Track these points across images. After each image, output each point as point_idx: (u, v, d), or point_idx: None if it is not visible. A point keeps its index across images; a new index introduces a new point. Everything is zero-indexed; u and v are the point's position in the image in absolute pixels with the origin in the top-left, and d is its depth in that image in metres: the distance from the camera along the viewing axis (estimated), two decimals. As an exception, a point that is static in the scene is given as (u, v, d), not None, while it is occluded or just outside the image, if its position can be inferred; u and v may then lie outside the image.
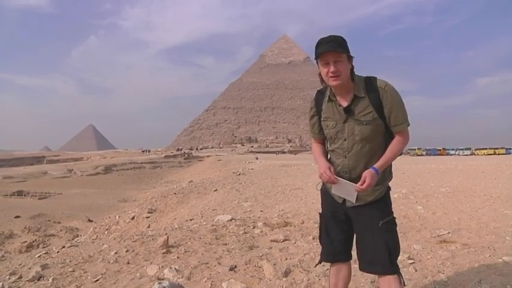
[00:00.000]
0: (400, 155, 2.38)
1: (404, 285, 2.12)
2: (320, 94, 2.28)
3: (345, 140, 2.15)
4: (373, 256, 2.09)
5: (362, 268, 2.18)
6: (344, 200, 2.18)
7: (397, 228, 2.19)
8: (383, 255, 2.06)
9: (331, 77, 2.05)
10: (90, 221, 21.42)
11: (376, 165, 2.08)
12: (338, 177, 2.12)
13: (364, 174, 2.03)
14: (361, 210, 2.15)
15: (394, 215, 2.19)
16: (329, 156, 2.31)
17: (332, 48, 2.01)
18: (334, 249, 2.31)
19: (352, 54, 2.09)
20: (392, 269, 2.08)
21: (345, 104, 2.13)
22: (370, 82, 2.11)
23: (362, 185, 2.01)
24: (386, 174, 2.19)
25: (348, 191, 2.11)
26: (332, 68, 2.03)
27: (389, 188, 2.24)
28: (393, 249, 2.09)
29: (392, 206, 2.24)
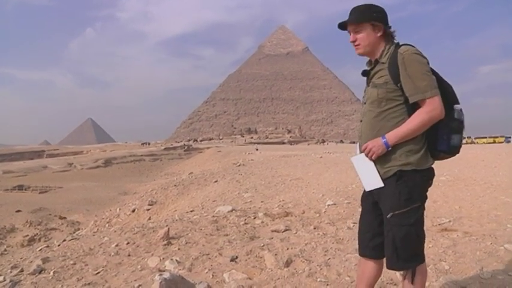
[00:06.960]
0: None
1: (413, 282, 1.97)
2: None
3: (365, 103, 2.13)
4: (386, 250, 2.02)
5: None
6: None
7: (414, 223, 1.94)
8: (389, 250, 1.98)
9: (354, 46, 2.05)
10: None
11: (386, 135, 1.94)
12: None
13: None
14: (380, 199, 2.03)
15: (413, 206, 1.93)
16: None
17: (348, 20, 2.02)
18: (361, 241, 2.20)
19: (378, 22, 1.99)
20: (399, 265, 1.98)
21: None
22: (396, 48, 1.98)
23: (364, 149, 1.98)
24: (401, 153, 1.93)
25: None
26: (351, 38, 2.04)
27: (414, 176, 1.93)
28: (401, 246, 1.92)
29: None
